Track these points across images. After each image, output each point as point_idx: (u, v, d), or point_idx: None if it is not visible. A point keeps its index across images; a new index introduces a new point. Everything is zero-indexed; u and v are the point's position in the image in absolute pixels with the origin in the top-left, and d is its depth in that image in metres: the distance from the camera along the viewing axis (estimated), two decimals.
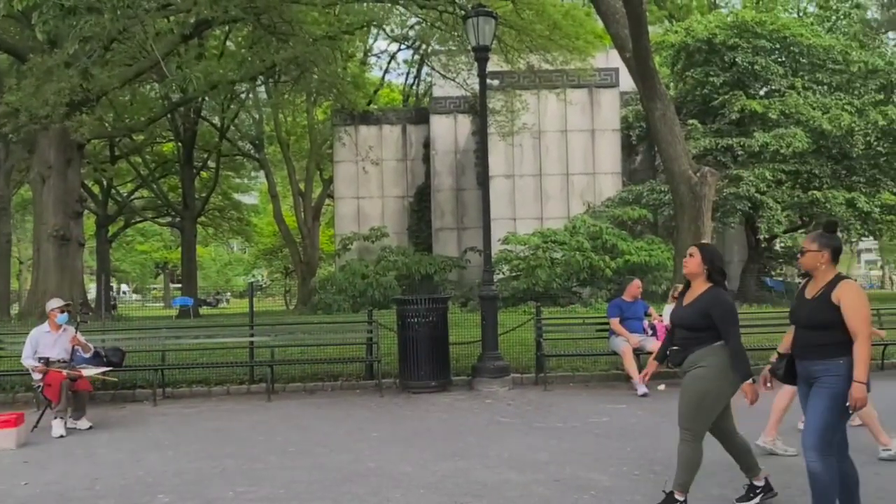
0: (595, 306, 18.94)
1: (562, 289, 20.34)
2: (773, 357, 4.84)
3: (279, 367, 10.72)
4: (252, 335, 11.05)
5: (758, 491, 5.10)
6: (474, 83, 19.14)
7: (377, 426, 8.07)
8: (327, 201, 35.32)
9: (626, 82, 23.48)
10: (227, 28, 23.06)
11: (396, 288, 21.35)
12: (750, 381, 4.73)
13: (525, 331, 11.93)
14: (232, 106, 29.34)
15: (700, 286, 4.96)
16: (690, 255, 5.00)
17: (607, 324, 10.58)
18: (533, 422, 8.12)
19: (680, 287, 5.32)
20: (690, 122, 22.83)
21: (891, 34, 31.78)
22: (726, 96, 22.58)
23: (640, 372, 9.88)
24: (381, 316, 12.41)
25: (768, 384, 4.74)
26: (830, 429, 4.29)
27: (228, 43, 26.28)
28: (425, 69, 30.29)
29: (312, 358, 11.15)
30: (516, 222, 23.21)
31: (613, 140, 24.25)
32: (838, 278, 4.39)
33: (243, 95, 30.24)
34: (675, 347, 4.99)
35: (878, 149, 21.93)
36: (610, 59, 22.24)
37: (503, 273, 21.02)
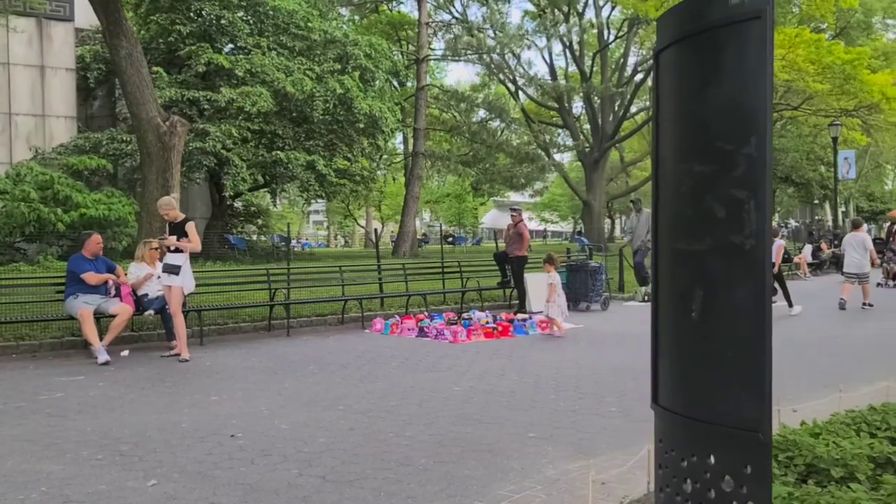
0: (44, 264, 16.76)
1: (2, 245, 17.64)
2: None
3: None
4: None
5: None
6: None
7: None
8: None
9: (84, 18, 21.27)
10: None
11: None
12: None
13: None
14: None
15: None
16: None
17: (64, 285, 9.23)
18: None
19: None
20: (155, 69, 21.57)
21: (343, 10, 34.26)
22: (193, 47, 21.82)
23: (101, 337, 8.80)
24: None
25: None
26: None
27: None
28: None
29: None
30: None
31: (68, 80, 21.79)
32: None
33: None
34: None
35: (337, 115, 23.34)
36: None
37: None
